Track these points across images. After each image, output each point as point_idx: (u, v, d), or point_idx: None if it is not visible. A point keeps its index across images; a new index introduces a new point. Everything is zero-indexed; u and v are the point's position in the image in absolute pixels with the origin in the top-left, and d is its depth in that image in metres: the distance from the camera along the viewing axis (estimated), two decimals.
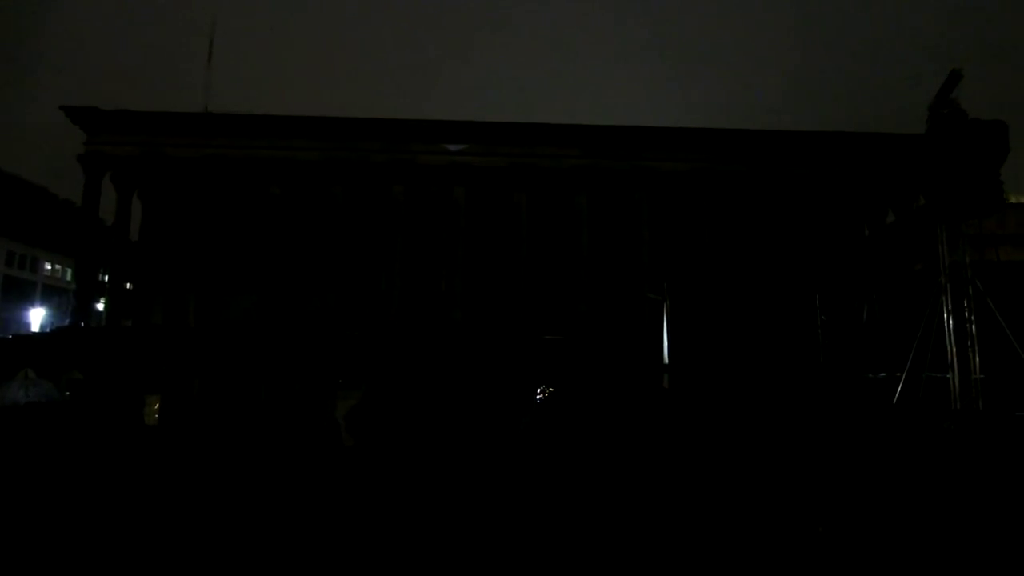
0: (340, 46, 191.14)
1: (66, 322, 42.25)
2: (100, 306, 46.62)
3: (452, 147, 41.72)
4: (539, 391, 28.34)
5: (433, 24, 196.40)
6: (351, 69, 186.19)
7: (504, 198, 42.28)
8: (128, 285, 43.58)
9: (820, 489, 9.51)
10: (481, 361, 31.98)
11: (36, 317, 56.86)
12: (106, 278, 44.54)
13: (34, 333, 47.16)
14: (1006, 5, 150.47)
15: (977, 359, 13.40)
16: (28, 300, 61.43)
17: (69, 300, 47.13)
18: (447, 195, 42.14)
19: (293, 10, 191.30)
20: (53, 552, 7.31)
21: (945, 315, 13.93)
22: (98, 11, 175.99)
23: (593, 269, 41.28)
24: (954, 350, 13.60)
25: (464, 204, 42.04)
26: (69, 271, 65.10)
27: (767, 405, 18.80)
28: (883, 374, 18.56)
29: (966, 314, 13.71)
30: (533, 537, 7.89)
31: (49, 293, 65.69)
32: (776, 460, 11.58)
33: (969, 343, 13.51)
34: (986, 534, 7.46)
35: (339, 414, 18.14)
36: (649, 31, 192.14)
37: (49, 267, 68.16)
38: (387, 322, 39.20)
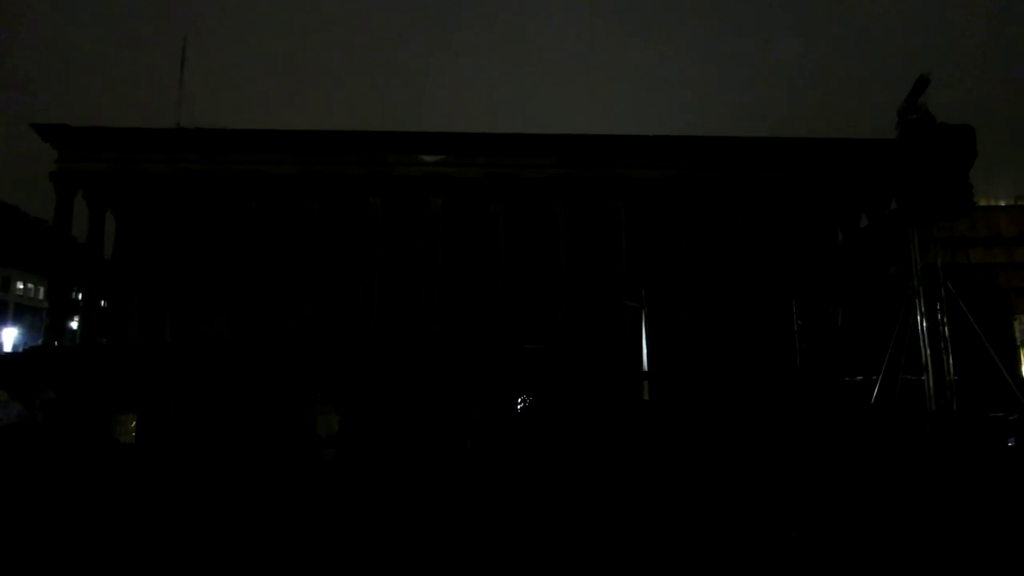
0: (315, 60, 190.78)
1: (39, 341, 41.60)
2: (74, 324, 45.96)
3: (429, 158, 41.71)
4: (520, 400, 28.28)
5: (409, 36, 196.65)
6: (326, 83, 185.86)
7: (481, 208, 42.31)
8: (102, 303, 43.00)
9: (794, 494, 9.55)
10: (460, 371, 31.88)
11: (8, 337, 55.95)
12: (80, 296, 43.95)
13: (6, 353, 46.41)
14: (974, 12, 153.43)
15: (951, 361, 13.53)
16: (0, 320, 60.42)
17: (42, 319, 46.41)
18: (424, 206, 42.08)
19: (267, 25, 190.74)
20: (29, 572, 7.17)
21: (919, 318, 14.07)
22: (69, 27, 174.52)
23: (571, 278, 41.36)
24: (928, 352, 13.73)
25: (442, 215, 42.01)
26: (42, 290, 64.10)
27: (745, 412, 18.87)
28: (859, 377, 18.70)
29: (939, 316, 13.85)
30: (510, 547, 7.86)
31: (21, 312, 64.62)
32: (753, 467, 11.62)
33: (943, 345, 13.65)
34: (962, 536, 7.52)
35: (319, 429, 18.01)
36: (625, 42, 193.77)
37: (21, 286, 67.09)
38: (366, 334, 38.98)
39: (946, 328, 13.72)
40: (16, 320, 61.52)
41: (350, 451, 16.45)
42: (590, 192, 42.45)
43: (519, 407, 27.68)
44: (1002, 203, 43.92)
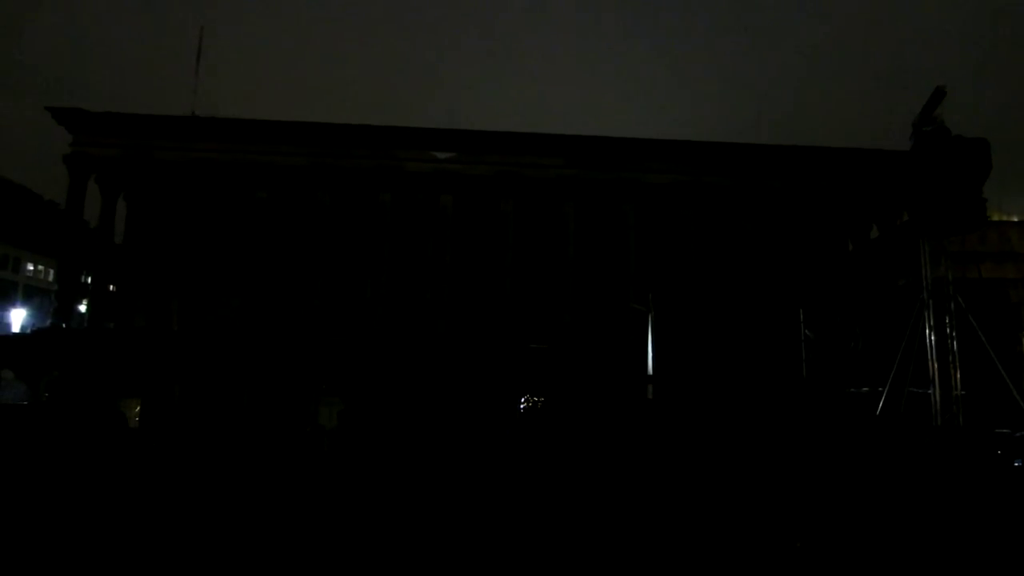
0: (328, 52, 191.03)
1: (47, 323, 41.79)
2: (82, 308, 46.14)
3: (440, 155, 41.70)
4: (523, 400, 28.32)
5: (422, 32, 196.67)
6: (339, 75, 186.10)
7: (491, 206, 42.24)
8: (111, 287, 43.16)
9: (799, 502, 9.50)
10: (466, 369, 31.89)
11: (17, 318, 56.19)
12: (89, 280, 44.12)
13: (14, 334, 46.61)
14: (991, 24, 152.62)
15: (958, 375, 13.46)
16: (9, 301, 60.68)
17: (51, 301, 46.58)
18: (434, 203, 42.07)
19: (282, 16, 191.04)
20: (31, 551, 7.19)
21: (927, 331, 13.99)
22: (86, 12, 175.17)
23: (579, 279, 41.26)
24: (936, 366, 13.65)
25: (451, 212, 41.97)
26: (52, 272, 64.44)
27: (749, 418, 18.80)
28: (865, 388, 18.62)
29: (948, 330, 13.77)
30: (514, 541, 7.84)
31: (31, 294, 64.97)
32: (756, 473, 11.56)
33: (950, 359, 13.57)
34: (965, 552, 7.47)
35: (322, 420, 18.08)
36: (637, 43, 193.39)
37: (31, 268, 67.51)
38: (372, 329, 39.00)
39: (954, 342, 13.65)
40: (25, 301, 61.81)
41: (350, 444, 16.48)
42: (600, 194, 42.37)
43: (522, 406, 27.70)
44: (1015, 218, 43.54)
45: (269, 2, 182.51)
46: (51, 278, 64.21)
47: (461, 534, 8.34)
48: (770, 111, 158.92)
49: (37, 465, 12.31)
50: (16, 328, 52.55)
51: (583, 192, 42.28)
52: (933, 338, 13.88)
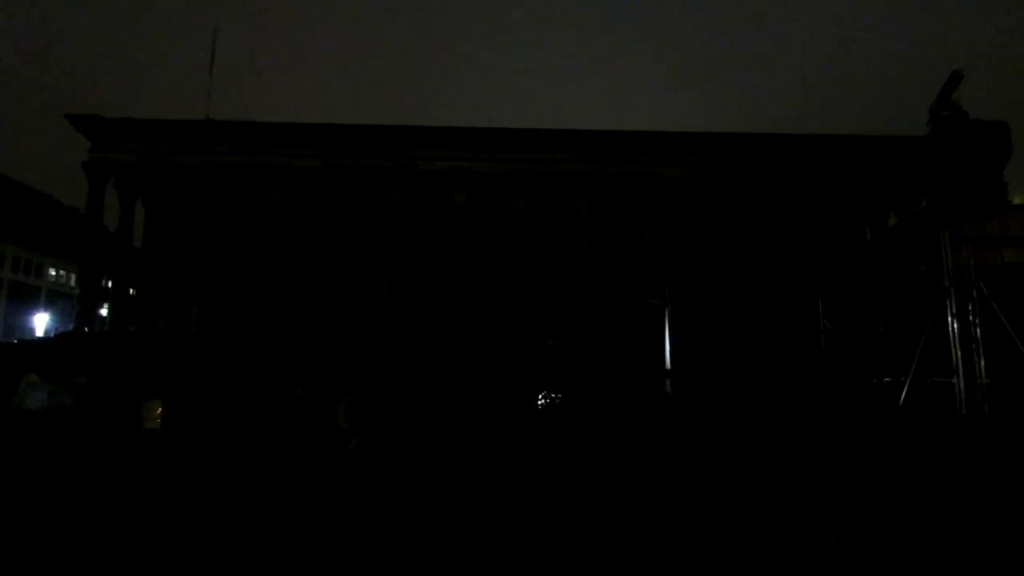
0: (340, 55, 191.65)
1: (70, 327, 42.27)
2: (104, 312, 46.67)
3: (453, 154, 41.73)
4: (541, 397, 28.27)
5: (432, 31, 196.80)
6: (351, 77, 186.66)
7: (504, 203, 42.21)
8: (131, 291, 43.61)
9: (831, 498, 9.40)
10: (484, 366, 31.89)
11: (40, 323, 56.91)
12: (110, 284, 44.61)
13: (38, 338, 47.21)
14: (1009, 7, 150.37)
15: (983, 363, 13.26)
16: (33, 306, 61.45)
17: (73, 306, 47.14)
18: (447, 201, 42.10)
19: (295, 20, 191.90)
20: (57, 552, 7.28)
21: (949, 319, 13.82)
22: (101, 20, 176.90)
23: (594, 274, 41.16)
24: (959, 354, 13.47)
25: (465, 210, 41.97)
26: (73, 277, 65.17)
27: (770, 410, 18.67)
28: (888, 379, 18.43)
29: (971, 317, 13.59)
30: (535, 539, 7.83)
31: (53, 299, 65.74)
32: (782, 467, 11.47)
33: (974, 347, 13.38)
34: (996, 539, 7.37)
35: (341, 419, 18.15)
36: (650, 36, 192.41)
37: (53, 273, 68.25)
38: (389, 327, 39.11)
39: (978, 330, 13.46)
40: (48, 306, 62.57)
41: (371, 442, 16.53)
42: (614, 188, 42.19)
43: (540, 403, 27.67)
44: None
45: (280, 6, 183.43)
46: (73, 283, 64.94)
47: (484, 531, 8.34)
48: (784, 99, 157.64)
49: (68, 469, 12.45)
50: (40, 332, 53.29)
51: (597, 187, 42.12)
52: (956, 326, 13.71)
